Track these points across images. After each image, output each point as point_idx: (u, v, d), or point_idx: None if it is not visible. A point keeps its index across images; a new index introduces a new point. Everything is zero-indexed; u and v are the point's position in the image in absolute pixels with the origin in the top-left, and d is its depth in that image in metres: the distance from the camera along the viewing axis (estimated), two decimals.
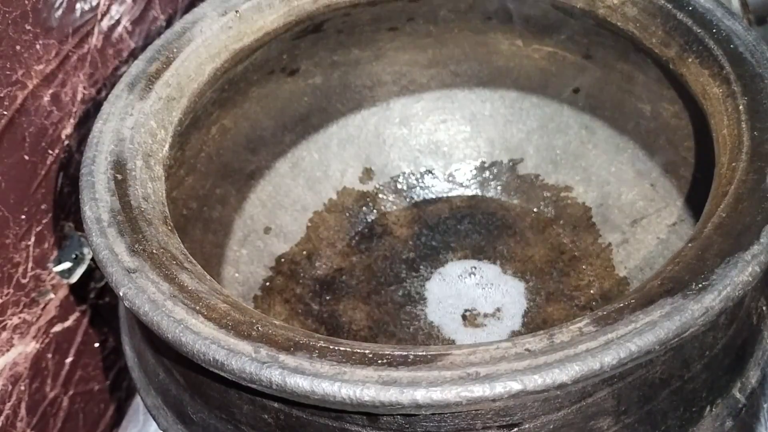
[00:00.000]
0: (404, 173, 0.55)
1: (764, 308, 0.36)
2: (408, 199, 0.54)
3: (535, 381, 0.27)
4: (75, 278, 0.50)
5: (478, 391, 0.27)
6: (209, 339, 0.29)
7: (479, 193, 0.54)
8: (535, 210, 0.53)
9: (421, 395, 0.27)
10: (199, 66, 0.42)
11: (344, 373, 0.27)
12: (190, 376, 0.35)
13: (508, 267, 0.50)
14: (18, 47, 0.42)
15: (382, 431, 0.30)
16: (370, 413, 0.30)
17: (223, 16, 0.44)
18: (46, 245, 0.47)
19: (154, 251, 0.33)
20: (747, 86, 0.37)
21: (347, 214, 0.53)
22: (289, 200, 0.52)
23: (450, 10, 0.50)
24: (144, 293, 0.31)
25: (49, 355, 0.49)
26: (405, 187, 0.55)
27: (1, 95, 0.42)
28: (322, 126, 0.53)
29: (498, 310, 0.48)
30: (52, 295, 0.48)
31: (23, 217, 0.45)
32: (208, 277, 0.33)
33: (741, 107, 0.37)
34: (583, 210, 0.52)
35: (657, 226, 0.48)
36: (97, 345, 0.54)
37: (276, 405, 0.32)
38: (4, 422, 0.46)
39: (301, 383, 0.27)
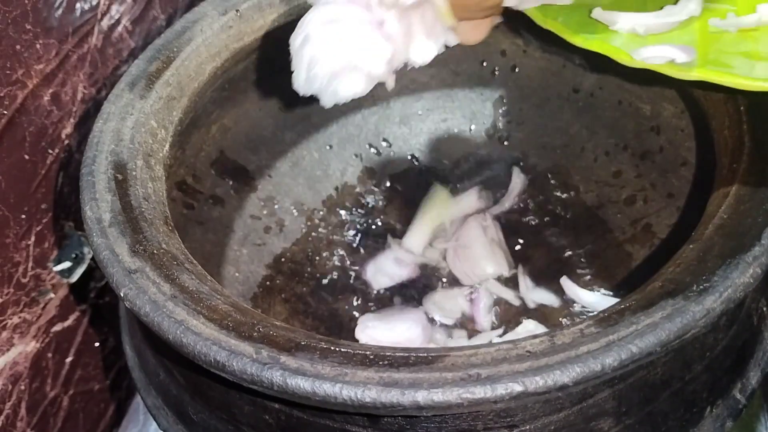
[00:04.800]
0: (404, 171, 0.55)
1: (765, 309, 0.36)
2: (408, 198, 0.54)
3: (537, 382, 0.27)
4: (75, 278, 0.50)
5: (480, 392, 0.27)
6: (210, 340, 0.29)
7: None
8: (535, 209, 0.53)
9: (422, 396, 0.27)
10: (199, 65, 0.42)
11: (345, 375, 0.27)
12: (190, 377, 0.35)
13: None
14: (18, 47, 0.42)
15: None
16: (371, 414, 0.30)
17: (224, 16, 0.44)
18: (46, 245, 0.47)
19: (155, 251, 0.33)
20: None
21: (347, 213, 0.53)
22: (290, 199, 0.52)
23: None
24: (145, 294, 0.31)
25: (50, 355, 0.49)
26: (405, 186, 0.55)
27: (1, 95, 0.42)
28: (323, 125, 0.53)
29: (497, 310, 0.48)
30: (52, 295, 0.48)
31: (23, 216, 0.45)
32: (209, 277, 0.33)
33: (742, 108, 0.37)
34: (584, 210, 0.52)
35: (657, 226, 0.48)
36: (97, 344, 0.54)
37: (277, 406, 0.32)
38: (4, 422, 0.46)
39: (302, 384, 0.27)
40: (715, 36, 0.34)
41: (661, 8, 0.36)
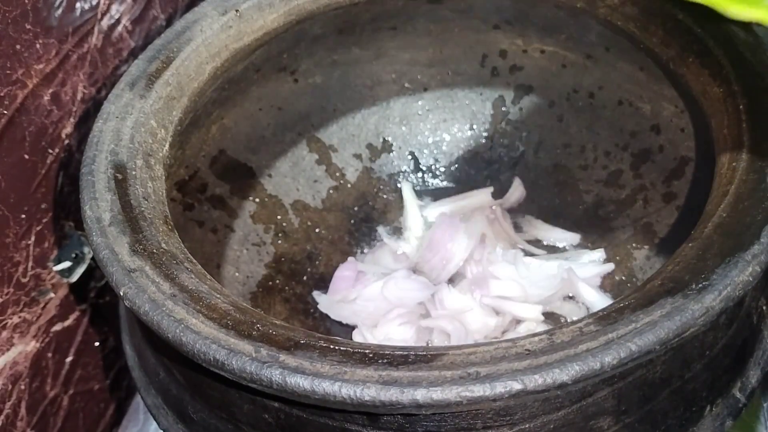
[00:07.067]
0: (404, 172, 0.55)
1: (764, 308, 0.36)
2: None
3: (536, 381, 0.27)
4: (75, 277, 0.50)
5: (479, 390, 0.27)
6: (210, 339, 0.29)
7: None
8: (535, 210, 0.53)
9: (421, 395, 0.27)
10: (199, 65, 0.42)
11: (345, 373, 0.27)
12: (190, 376, 0.35)
13: None
14: (18, 46, 0.42)
15: (382, 431, 0.30)
16: (370, 413, 0.30)
17: (224, 16, 0.44)
18: (46, 244, 0.47)
19: (155, 251, 0.33)
20: (747, 86, 0.37)
21: (347, 213, 0.53)
22: (289, 199, 0.52)
23: (450, 10, 0.50)
24: (144, 293, 0.31)
25: (50, 355, 0.49)
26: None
27: (1, 94, 0.42)
28: (322, 125, 0.53)
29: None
30: (52, 294, 0.48)
31: (23, 216, 0.45)
32: (209, 276, 0.33)
33: (741, 107, 0.36)
34: (583, 210, 0.52)
35: (657, 226, 0.48)
36: (97, 344, 0.54)
37: (276, 405, 0.32)
38: (4, 421, 0.46)
39: (301, 383, 0.27)
40: None
41: None
